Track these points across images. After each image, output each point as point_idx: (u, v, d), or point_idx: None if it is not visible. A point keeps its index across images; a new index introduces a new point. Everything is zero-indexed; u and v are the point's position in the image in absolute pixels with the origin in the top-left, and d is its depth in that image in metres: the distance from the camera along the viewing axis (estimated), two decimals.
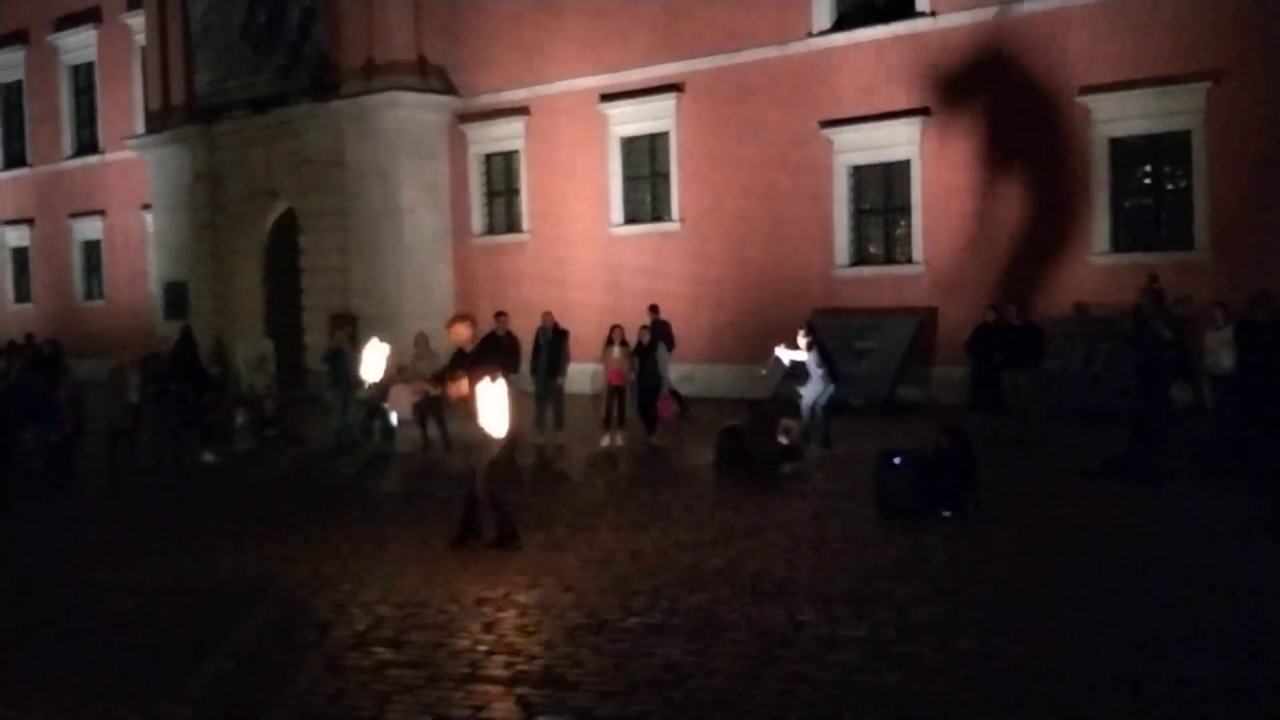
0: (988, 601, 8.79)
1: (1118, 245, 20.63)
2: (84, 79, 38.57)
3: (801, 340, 17.35)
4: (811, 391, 17.40)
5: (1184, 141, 20.02)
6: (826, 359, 17.31)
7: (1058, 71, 20.80)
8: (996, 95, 21.44)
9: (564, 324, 19.63)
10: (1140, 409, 14.80)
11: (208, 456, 18.66)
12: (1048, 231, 20.97)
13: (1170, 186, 20.55)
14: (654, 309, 21.45)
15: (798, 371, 18.21)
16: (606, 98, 26.34)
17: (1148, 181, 20.83)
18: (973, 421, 16.19)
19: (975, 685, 6.99)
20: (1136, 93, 20.04)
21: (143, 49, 34.73)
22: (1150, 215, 20.70)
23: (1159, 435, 14.42)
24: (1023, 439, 16.77)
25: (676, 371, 20.80)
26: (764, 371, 19.22)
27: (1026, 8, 21.10)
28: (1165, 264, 18.99)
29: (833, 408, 17.63)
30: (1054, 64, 20.84)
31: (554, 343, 19.10)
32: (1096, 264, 20.58)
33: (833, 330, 21.74)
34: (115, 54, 36.94)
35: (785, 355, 17.90)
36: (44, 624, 9.34)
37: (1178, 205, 20.31)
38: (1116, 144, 20.59)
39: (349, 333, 21.10)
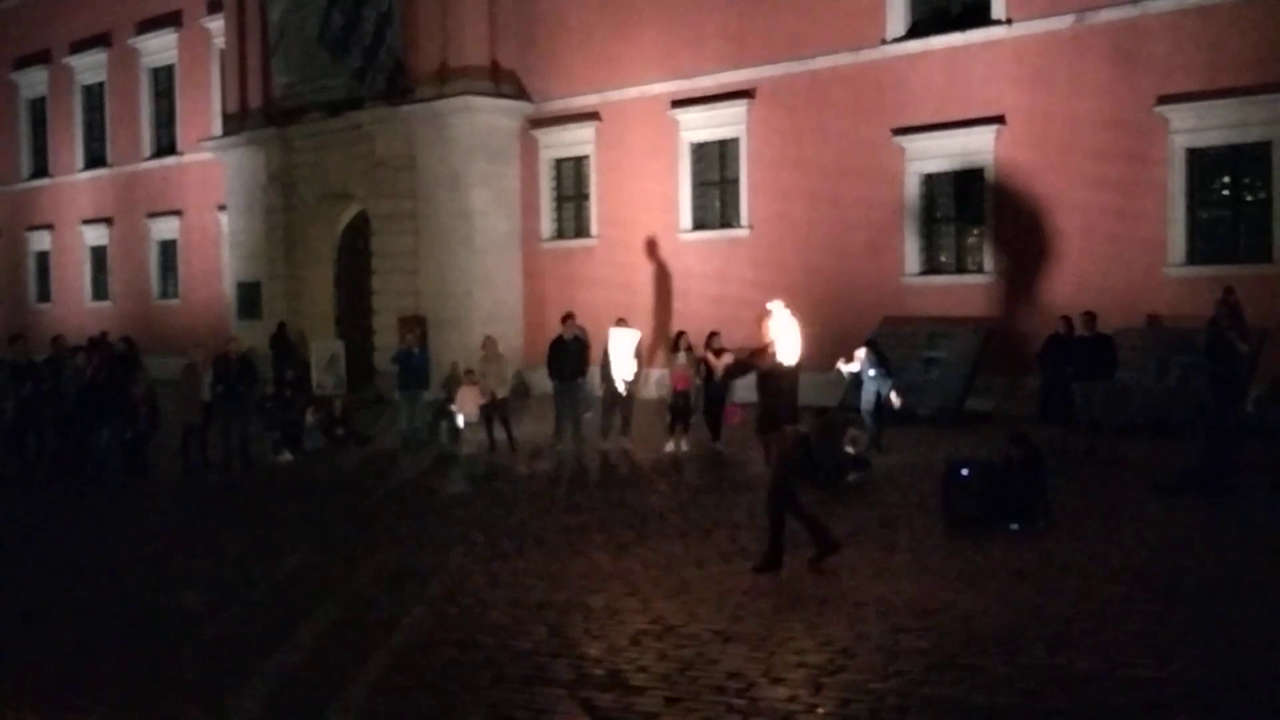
0: (1055, 615, 8.68)
1: (1194, 257, 20.32)
2: (164, 81, 39.17)
3: (860, 351, 17.60)
4: (868, 392, 17.50)
5: (1264, 153, 19.67)
6: (882, 359, 17.52)
7: (1135, 81, 20.51)
8: (1072, 104, 21.18)
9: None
10: (1215, 422, 14.58)
11: (286, 456, 18.88)
12: (1122, 242, 20.68)
13: (1249, 198, 20.20)
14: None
15: (860, 385, 18.25)
16: (677, 104, 26.36)
17: (1226, 193, 20.49)
18: (1043, 433, 16.01)
19: (1042, 699, 6.91)
20: (1216, 103, 19.73)
21: (221, 52, 35.27)
22: (1228, 227, 20.36)
23: (1233, 448, 14.19)
24: (1093, 452, 16.57)
25: (743, 379, 20.70)
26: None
27: (1104, 16, 20.83)
28: (1243, 276, 18.68)
29: (888, 413, 17.69)
30: (1131, 73, 20.56)
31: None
32: (1172, 275, 20.28)
33: (901, 339, 21.62)
34: (195, 57, 37.51)
35: (845, 369, 17.98)
36: (114, 618, 9.50)
37: (1256, 217, 19.96)
38: (1194, 154, 20.27)
39: (418, 334, 21.27)
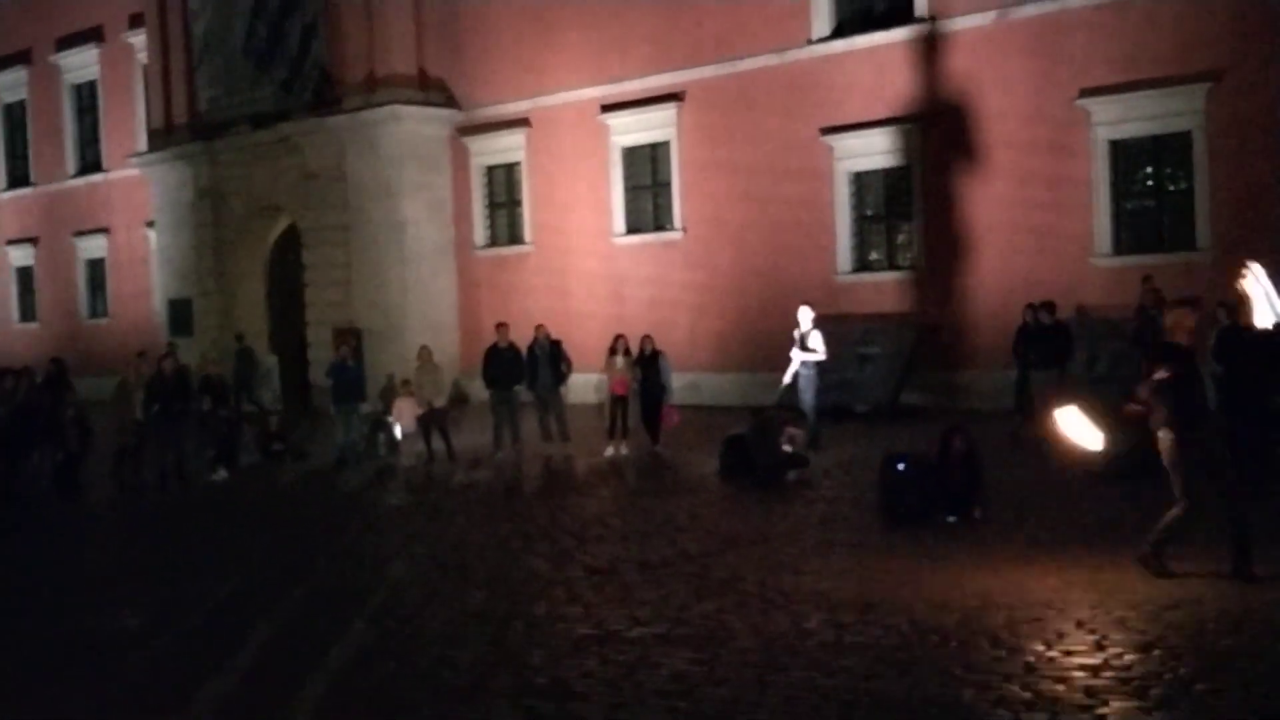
0: (998, 604, 8.73)
1: (1120, 248, 20.61)
2: (87, 98, 38.65)
3: (805, 316, 17.56)
4: (807, 387, 17.46)
5: (1185, 142, 20.00)
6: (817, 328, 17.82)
7: (1057, 74, 20.77)
8: (996, 99, 21.41)
9: (559, 335, 19.68)
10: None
11: (222, 473, 18.66)
12: (1049, 234, 20.93)
13: (1171, 188, 20.53)
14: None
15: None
16: (607, 108, 26.36)
17: (1149, 183, 20.83)
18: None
19: (988, 691, 6.95)
20: (1136, 94, 20.03)
21: (145, 67, 34.81)
22: (1152, 217, 20.68)
23: None
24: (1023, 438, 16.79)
25: (680, 380, 20.77)
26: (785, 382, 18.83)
27: (1025, 11, 21.08)
28: (1168, 265, 19.02)
29: (823, 410, 17.82)
30: (1053, 67, 20.81)
31: (552, 354, 19.15)
32: (1099, 266, 20.55)
33: (835, 336, 21.66)
34: (118, 72, 37.01)
35: (800, 357, 17.79)
36: (49, 643, 9.33)
37: (1179, 206, 20.28)
38: (1117, 146, 20.57)
39: (353, 346, 21.13)
